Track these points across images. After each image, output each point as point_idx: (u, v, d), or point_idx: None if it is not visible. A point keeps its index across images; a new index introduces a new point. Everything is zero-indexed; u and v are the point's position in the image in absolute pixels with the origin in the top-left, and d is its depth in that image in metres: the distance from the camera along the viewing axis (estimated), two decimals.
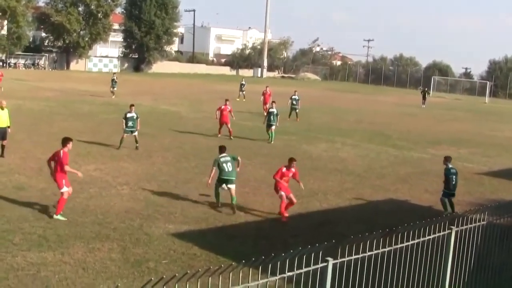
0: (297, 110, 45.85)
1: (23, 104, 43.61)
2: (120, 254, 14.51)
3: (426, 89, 78.89)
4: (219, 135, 34.32)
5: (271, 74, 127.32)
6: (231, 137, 33.57)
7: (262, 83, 72.96)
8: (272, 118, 34.35)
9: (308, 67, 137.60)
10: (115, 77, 56.70)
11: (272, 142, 33.38)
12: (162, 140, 32.06)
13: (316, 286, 9.11)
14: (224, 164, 19.30)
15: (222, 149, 20.07)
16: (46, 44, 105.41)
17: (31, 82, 67.09)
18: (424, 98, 70.63)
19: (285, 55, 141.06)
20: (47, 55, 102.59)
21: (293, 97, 46.39)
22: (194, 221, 17.76)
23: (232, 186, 19.21)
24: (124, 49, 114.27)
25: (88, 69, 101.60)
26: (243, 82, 62.59)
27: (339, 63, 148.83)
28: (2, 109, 25.22)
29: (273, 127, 34.08)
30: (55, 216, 16.90)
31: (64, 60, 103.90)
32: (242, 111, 46.47)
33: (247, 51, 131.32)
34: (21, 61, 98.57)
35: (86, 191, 20.27)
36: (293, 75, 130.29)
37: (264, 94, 49.47)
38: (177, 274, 7.43)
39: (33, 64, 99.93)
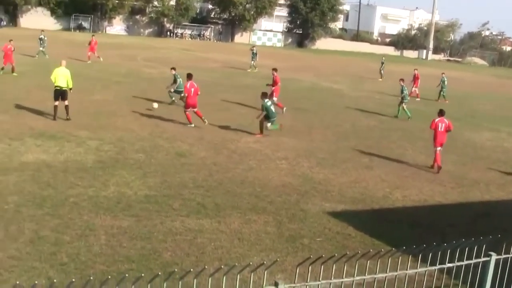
0: (443, 93, 45.92)
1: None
2: (275, 228, 14.62)
3: None
4: None
5: (436, 56, 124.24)
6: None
7: (426, 65, 71.35)
8: (406, 94, 35.49)
9: (475, 52, 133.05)
10: (254, 50, 56.34)
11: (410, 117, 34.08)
12: (322, 117, 32.05)
13: (476, 281, 8.82)
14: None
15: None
16: (212, 16, 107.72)
17: (196, 52, 68.84)
18: None
19: (452, 38, 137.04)
20: (212, 26, 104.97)
21: (442, 79, 46.39)
22: (351, 201, 17.63)
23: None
24: (288, 24, 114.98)
25: (252, 42, 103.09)
26: (383, 60, 61.72)
27: (509, 48, 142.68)
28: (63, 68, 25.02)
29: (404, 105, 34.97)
30: None
31: (229, 33, 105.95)
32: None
33: (413, 32, 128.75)
34: (188, 32, 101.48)
35: (246, 163, 20.59)
36: (459, 59, 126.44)
37: (414, 76, 48.19)
38: (335, 254, 7.39)
39: (198, 35, 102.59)
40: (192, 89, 26.09)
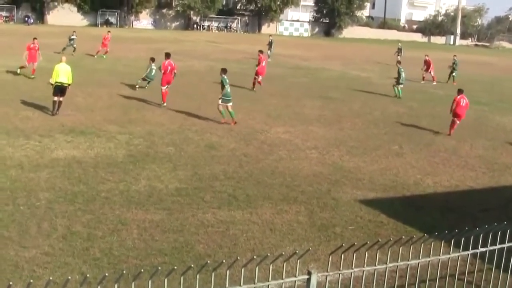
0: (454, 74, 46.83)
1: (215, 66, 44.93)
2: (307, 217, 14.63)
3: None
4: None
5: (464, 42, 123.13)
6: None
7: (454, 51, 70.72)
8: (403, 78, 36.85)
9: (503, 36, 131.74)
10: (270, 39, 56.14)
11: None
12: (351, 105, 31.94)
13: (509, 265, 8.77)
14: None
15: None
16: (238, 7, 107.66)
17: (223, 44, 68.85)
18: None
19: (479, 23, 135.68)
20: (239, 18, 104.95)
21: (454, 61, 47.23)
22: (382, 188, 17.58)
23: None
24: (315, 14, 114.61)
25: (279, 33, 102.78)
26: (400, 46, 61.72)
27: None
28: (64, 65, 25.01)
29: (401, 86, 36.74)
30: None
31: (255, 24, 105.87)
32: (430, 79, 45.48)
33: (440, 18, 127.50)
34: (214, 24, 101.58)
35: (276, 153, 20.60)
36: (487, 44, 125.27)
37: (425, 62, 47.68)
38: (368, 242, 7.39)
39: (225, 27, 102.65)
40: (169, 67, 27.74)
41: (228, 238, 12.91)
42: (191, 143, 21.16)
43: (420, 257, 7.60)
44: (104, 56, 46.60)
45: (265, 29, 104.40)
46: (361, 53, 70.80)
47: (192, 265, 6.87)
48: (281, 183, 17.22)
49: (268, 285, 6.63)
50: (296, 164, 19.46)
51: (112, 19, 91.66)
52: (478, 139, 25.31)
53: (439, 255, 7.80)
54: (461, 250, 8.00)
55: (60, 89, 24.39)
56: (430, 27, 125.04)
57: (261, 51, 37.88)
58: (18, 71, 33.95)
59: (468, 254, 8.13)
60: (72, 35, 46.95)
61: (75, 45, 46.36)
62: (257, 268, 6.57)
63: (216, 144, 21.32)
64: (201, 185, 16.50)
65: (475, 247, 8.09)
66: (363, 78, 46.14)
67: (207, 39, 73.24)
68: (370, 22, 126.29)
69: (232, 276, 9.89)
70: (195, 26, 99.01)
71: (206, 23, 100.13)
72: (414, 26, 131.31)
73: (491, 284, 8.77)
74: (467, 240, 7.91)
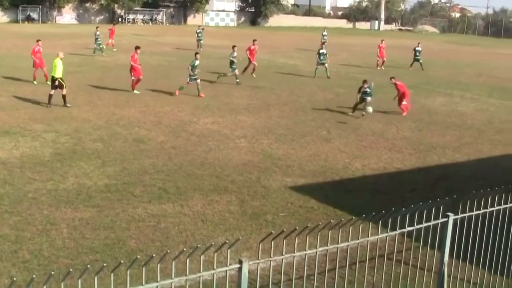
0: (421, 61, 47.67)
1: (142, 59, 44.48)
2: (238, 206, 14.67)
3: None
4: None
5: (388, 27, 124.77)
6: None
7: (379, 36, 71.66)
8: (322, 58, 39.35)
9: (426, 20, 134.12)
10: (199, 29, 56.37)
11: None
12: (279, 93, 32.08)
13: (435, 242, 8.95)
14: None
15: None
16: None
17: (149, 37, 68.13)
18: None
19: (403, 8, 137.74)
20: (164, 10, 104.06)
21: (417, 48, 47.93)
22: (312, 174, 17.75)
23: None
24: (240, 3, 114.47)
25: (205, 24, 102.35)
26: (325, 33, 62.07)
27: (458, 15, 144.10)
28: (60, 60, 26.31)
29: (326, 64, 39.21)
30: None
31: (181, 15, 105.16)
32: (357, 65, 46.03)
33: (364, 4, 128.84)
34: (139, 17, 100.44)
35: (205, 144, 20.57)
36: (410, 28, 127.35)
37: (379, 47, 48.60)
38: (297, 228, 7.44)
39: (151, 19, 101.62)
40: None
41: (160, 232, 12.85)
42: (119, 138, 20.95)
43: (350, 240, 7.69)
44: (114, 49, 49.98)
45: (191, 20, 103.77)
46: (287, 41, 71.07)
47: (122, 261, 6.80)
48: (211, 173, 17.22)
49: (200, 276, 6.61)
50: (226, 154, 19.49)
51: (34, 15, 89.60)
52: (404, 121, 25.76)
53: (368, 237, 7.91)
54: (389, 230, 8.13)
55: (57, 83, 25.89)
56: (355, 13, 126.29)
57: (254, 40, 39.78)
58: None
59: (396, 234, 8.27)
60: None
61: None
62: (188, 260, 6.55)
63: (145, 137, 21.17)
64: (130, 180, 16.37)
65: (402, 226, 8.23)
66: (290, 65, 46.38)
67: (132, 32, 72.43)
68: (296, 9, 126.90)
69: (165, 269, 9.85)
70: (120, 19, 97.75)
71: (131, 16, 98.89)
72: (339, 13, 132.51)
73: (419, 261, 8.94)
74: (395, 220, 8.04)
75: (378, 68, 46.47)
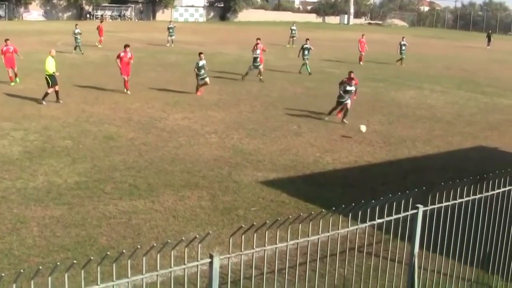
0: (404, 57, 47.83)
1: (112, 56, 44.28)
2: (209, 202, 14.67)
3: (490, 32, 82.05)
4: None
5: (358, 21, 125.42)
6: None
7: (348, 30, 71.93)
8: (307, 53, 39.30)
9: (395, 14, 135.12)
10: (171, 25, 56.81)
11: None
12: (249, 88, 32.09)
13: (406, 233, 9.02)
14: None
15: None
16: None
17: (118, 33, 67.63)
18: (489, 40, 76.46)
19: (372, 2, 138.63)
20: (133, 6, 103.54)
21: (402, 43, 48.06)
22: (283, 168, 17.79)
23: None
24: None
25: (174, 19, 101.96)
26: (294, 28, 62.34)
27: (426, 9, 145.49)
28: (52, 57, 26.30)
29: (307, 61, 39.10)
30: None
31: (150, 11, 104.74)
32: (327, 59, 46.13)
33: None
34: (108, 13, 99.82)
35: (175, 140, 20.53)
36: (380, 22, 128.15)
37: (360, 42, 48.74)
38: (267, 221, 7.45)
39: (119, 16, 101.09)
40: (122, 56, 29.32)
41: (131, 229, 12.80)
42: (89, 135, 20.83)
43: (320, 233, 7.71)
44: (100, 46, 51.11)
45: (160, 15, 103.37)
46: (257, 36, 70.70)
47: (92, 258, 6.76)
48: (182, 169, 17.19)
49: (171, 272, 6.59)
50: (196, 149, 19.47)
51: (0, 12, 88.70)
52: (374, 115, 25.92)
53: (338, 229, 7.94)
54: (359, 223, 8.16)
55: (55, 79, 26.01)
56: (324, 8, 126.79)
57: (258, 38, 38.58)
58: None
59: (366, 226, 8.31)
60: None
61: None
62: (159, 256, 6.53)
63: (115, 134, 21.07)
64: (101, 177, 16.28)
65: (373, 219, 8.26)
66: None
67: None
68: (265, 4, 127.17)
69: (137, 266, 9.82)
70: (88, 15, 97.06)
71: (99, 12, 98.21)
72: (309, 7, 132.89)
73: (389, 253, 8.99)
74: (366, 213, 8.08)
75: (361, 63, 46.57)
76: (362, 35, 48.53)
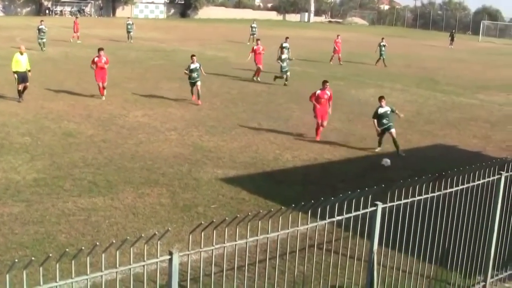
0: (384, 57, 47.50)
1: (71, 52, 43.99)
2: (169, 199, 14.65)
3: (453, 31, 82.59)
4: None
5: (318, 19, 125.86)
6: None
7: (309, 28, 72.19)
8: (286, 52, 37.24)
9: (355, 12, 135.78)
10: (130, 21, 56.98)
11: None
12: (209, 86, 32.01)
13: (365, 230, 9.10)
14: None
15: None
16: None
17: None
18: (452, 39, 76.81)
19: (332, 0, 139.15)
20: (92, 2, 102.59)
21: (382, 44, 47.93)
22: (242, 166, 17.83)
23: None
24: None
25: (134, 16, 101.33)
26: (254, 25, 62.51)
27: (386, 7, 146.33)
28: (22, 54, 25.85)
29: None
30: None
31: (110, 7, 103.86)
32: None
33: None
34: (67, 9, 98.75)
35: (135, 137, 20.45)
36: (340, 20, 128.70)
37: (335, 42, 48.75)
38: (227, 218, 7.47)
39: (79, 11, 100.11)
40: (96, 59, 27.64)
41: (90, 226, 12.73)
42: (47, 131, 20.64)
43: (280, 230, 7.74)
44: (79, 42, 51.30)
45: (120, 12, 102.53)
46: (217, 33, 70.98)
47: (51, 255, 6.71)
48: (141, 166, 17.14)
49: (131, 269, 6.57)
50: (156, 146, 19.42)
51: None
52: (334, 113, 25.94)
53: (298, 226, 7.98)
54: (318, 220, 8.21)
55: (22, 77, 25.50)
56: (285, 5, 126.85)
57: (258, 39, 37.94)
58: None
59: (326, 223, 8.36)
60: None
61: None
62: (118, 253, 6.50)
63: (74, 131, 20.91)
64: (60, 174, 16.15)
65: (332, 216, 8.32)
66: (220, 58, 46.35)
67: (60, 24, 71.09)
68: (226, 2, 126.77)
69: (96, 263, 9.76)
70: (47, 11, 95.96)
71: (58, 8, 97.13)
72: (269, 5, 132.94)
73: (349, 249, 9.07)
74: (325, 210, 8.13)
75: (331, 62, 46.69)
76: (338, 36, 48.42)
